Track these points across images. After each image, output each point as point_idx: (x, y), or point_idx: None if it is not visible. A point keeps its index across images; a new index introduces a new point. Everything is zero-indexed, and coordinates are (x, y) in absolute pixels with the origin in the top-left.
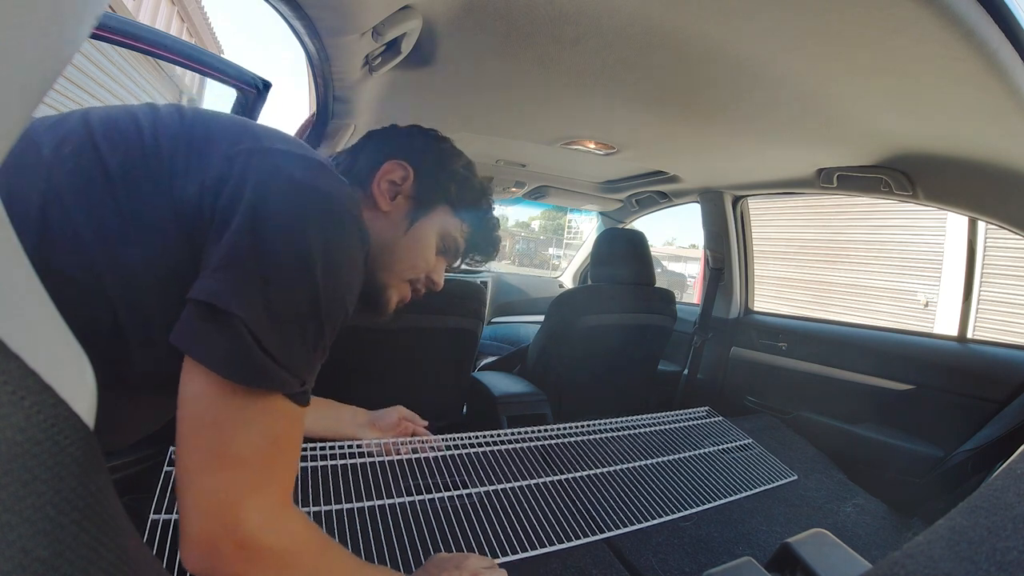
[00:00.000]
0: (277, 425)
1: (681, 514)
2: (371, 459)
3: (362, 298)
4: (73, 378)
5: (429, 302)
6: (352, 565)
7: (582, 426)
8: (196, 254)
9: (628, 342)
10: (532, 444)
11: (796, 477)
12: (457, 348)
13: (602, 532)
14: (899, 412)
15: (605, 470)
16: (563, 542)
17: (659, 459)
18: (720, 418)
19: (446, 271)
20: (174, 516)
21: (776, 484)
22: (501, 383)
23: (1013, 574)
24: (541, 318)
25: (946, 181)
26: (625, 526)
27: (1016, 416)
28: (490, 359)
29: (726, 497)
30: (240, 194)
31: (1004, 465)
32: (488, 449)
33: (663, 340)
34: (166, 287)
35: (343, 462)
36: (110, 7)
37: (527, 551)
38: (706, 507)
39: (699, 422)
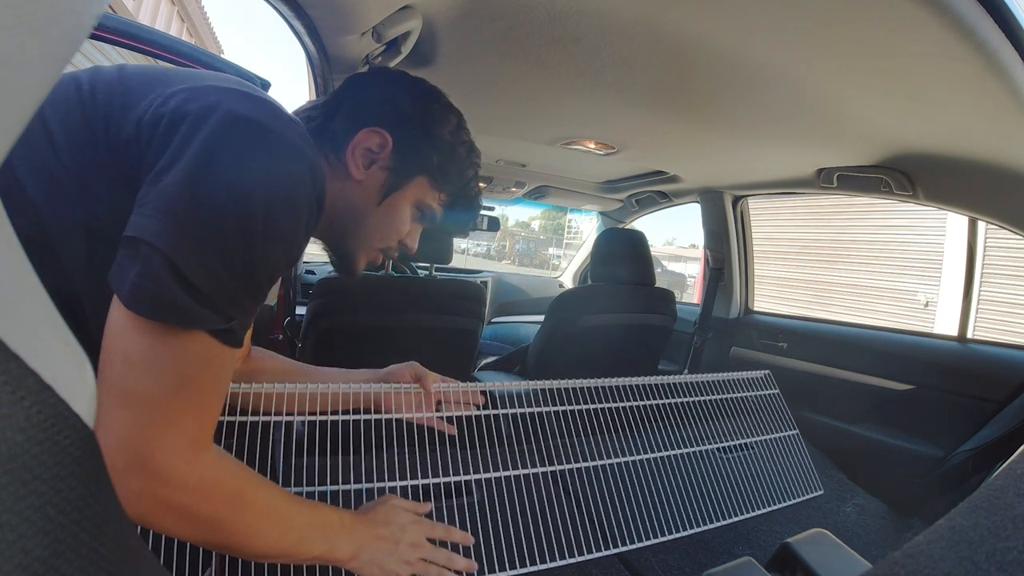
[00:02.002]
0: (193, 362)
1: (718, 524)
2: (365, 416)
3: (332, 259)
4: (73, 378)
5: (429, 302)
6: (285, 501)
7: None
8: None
9: (628, 342)
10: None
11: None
12: (457, 348)
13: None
14: (899, 412)
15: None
16: (568, 557)
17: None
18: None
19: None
20: None
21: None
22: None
23: (1013, 574)
24: (541, 318)
25: (946, 181)
26: (639, 541)
27: (1016, 416)
28: (490, 359)
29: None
30: (175, 129)
31: (1004, 465)
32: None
33: (663, 340)
34: (112, 239)
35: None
36: (110, 7)
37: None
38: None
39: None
